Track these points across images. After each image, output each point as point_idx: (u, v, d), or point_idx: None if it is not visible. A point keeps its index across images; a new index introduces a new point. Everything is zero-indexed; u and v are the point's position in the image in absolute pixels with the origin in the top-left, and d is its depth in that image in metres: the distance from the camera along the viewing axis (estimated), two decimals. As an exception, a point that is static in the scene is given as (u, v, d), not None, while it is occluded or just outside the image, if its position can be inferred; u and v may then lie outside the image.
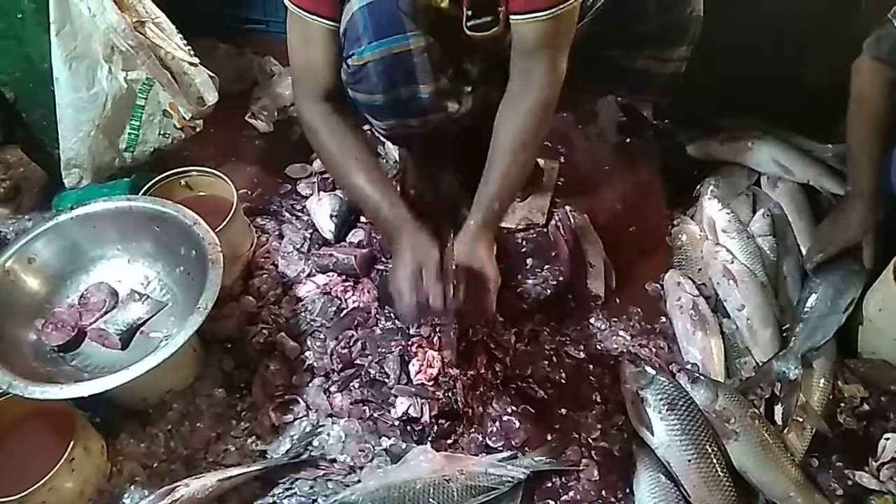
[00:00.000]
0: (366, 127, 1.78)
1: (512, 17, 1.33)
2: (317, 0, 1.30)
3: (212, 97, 1.66)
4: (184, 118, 1.62)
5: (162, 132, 1.65)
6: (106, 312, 1.43)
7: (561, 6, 1.28)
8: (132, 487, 1.34)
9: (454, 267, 1.25)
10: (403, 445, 1.40)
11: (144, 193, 1.57)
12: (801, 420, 1.47)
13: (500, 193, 1.36)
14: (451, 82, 1.44)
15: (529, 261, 1.75)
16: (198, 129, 1.69)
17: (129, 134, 1.64)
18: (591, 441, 1.44)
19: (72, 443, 1.23)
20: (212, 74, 1.66)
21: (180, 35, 1.62)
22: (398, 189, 1.78)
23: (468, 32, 1.36)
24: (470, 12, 1.34)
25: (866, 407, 1.53)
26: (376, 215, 1.36)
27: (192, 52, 1.64)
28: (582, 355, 1.58)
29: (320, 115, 1.39)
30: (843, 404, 1.54)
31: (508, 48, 1.45)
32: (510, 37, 1.42)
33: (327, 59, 1.36)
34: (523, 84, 1.37)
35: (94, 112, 1.57)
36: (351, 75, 1.37)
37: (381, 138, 1.87)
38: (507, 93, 1.40)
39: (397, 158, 1.89)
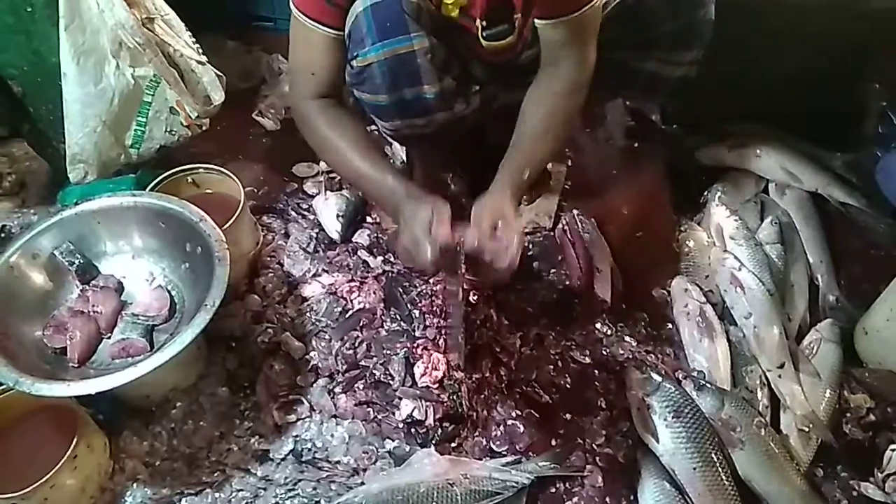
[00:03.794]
0: (372, 127, 1.78)
1: (537, 21, 1.34)
2: (321, 9, 1.31)
3: (218, 97, 1.66)
4: (190, 116, 1.61)
5: (168, 129, 1.65)
6: (115, 315, 1.42)
7: (584, 8, 1.30)
8: (134, 485, 1.33)
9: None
10: (407, 448, 1.39)
11: (151, 190, 1.56)
12: (806, 430, 1.46)
13: (523, 165, 1.37)
14: (457, 82, 1.44)
15: (536, 264, 1.74)
16: (204, 128, 1.68)
17: (136, 130, 1.63)
18: (595, 447, 1.43)
19: (75, 440, 1.22)
20: (219, 73, 1.66)
21: (189, 32, 1.62)
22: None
23: (484, 43, 1.37)
24: (484, 23, 1.35)
25: (872, 417, 1.53)
26: (380, 189, 1.36)
27: (200, 51, 1.63)
28: (587, 360, 1.57)
29: (317, 108, 1.40)
30: (849, 414, 1.54)
31: (519, 54, 1.45)
32: (521, 42, 1.42)
33: (328, 64, 1.38)
34: (553, 71, 1.40)
35: (101, 107, 1.56)
36: (355, 76, 1.37)
37: (388, 139, 1.87)
38: (537, 79, 1.43)
39: (404, 159, 1.89)
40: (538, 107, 1.41)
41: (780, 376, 1.54)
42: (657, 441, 1.40)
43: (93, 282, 1.44)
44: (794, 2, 1.75)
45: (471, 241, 1.25)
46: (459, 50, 1.42)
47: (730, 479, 1.36)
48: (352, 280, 1.62)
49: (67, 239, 1.43)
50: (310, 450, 1.39)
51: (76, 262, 1.43)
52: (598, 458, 1.41)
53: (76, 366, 1.34)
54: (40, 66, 1.56)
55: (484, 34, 1.36)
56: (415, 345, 1.46)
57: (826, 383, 1.54)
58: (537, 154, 1.41)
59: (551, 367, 1.55)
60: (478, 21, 1.35)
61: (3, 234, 1.67)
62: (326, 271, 1.66)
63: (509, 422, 1.44)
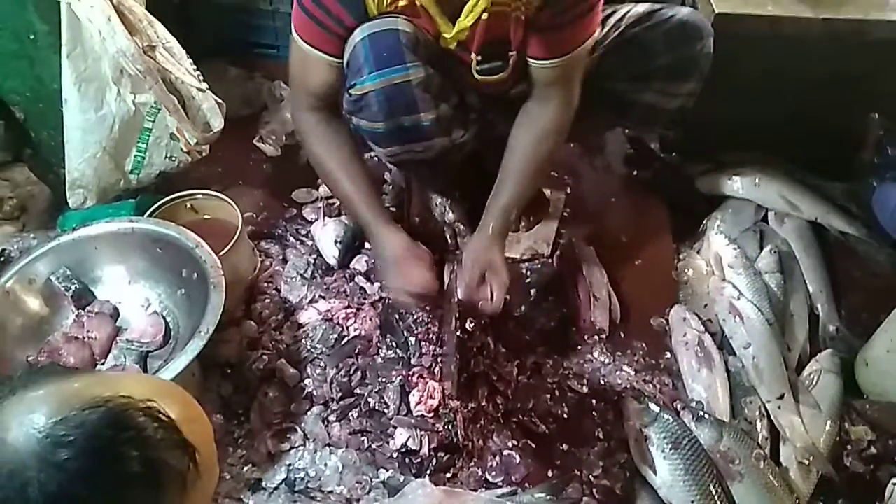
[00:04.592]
0: (370, 154, 1.79)
1: (529, 61, 1.39)
2: (320, 37, 1.34)
3: (218, 123, 1.66)
4: (189, 143, 1.62)
5: (168, 155, 1.65)
6: (109, 341, 1.41)
7: (578, 51, 1.35)
8: (125, 513, 1.32)
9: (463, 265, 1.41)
10: (401, 478, 1.37)
11: (150, 215, 1.57)
12: (807, 462, 1.44)
13: (511, 205, 1.45)
14: (454, 110, 1.46)
15: (533, 292, 1.73)
16: (204, 154, 1.69)
17: (136, 156, 1.64)
18: (592, 478, 1.41)
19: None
20: (219, 101, 1.67)
21: (190, 60, 1.63)
22: (405, 214, 1.79)
23: (477, 77, 1.38)
24: (479, 57, 1.37)
25: (873, 450, 1.51)
26: (356, 214, 1.49)
27: (200, 78, 1.64)
28: (585, 390, 1.55)
29: (313, 122, 1.46)
30: (849, 447, 1.51)
31: (513, 88, 1.47)
32: (514, 77, 1.44)
33: (325, 84, 1.41)
34: (539, 107, 1.45)
35: (102, 133, 1.57)
36: (353, 104, 1.39)
37: (387, 164, 1.88)
38: (523, 113, 1.47)
39: (403, 186, 1.89)
40: (523, 146, 1.46)
41: (779, 407, 1.52)
42: (655, 473, 1.38)
43: (88, 307, 1.44)
44: (793, 33, 1.76)
45: (461, 292, 1.38)
46: (455, 80, 1.44)
47: (728, 513, 1.34)
48: (348, 306, 1.61)
49: (64, 264, 1.44)
50: (303, 479, 1.38)
51: (72, 287, 1.43)
52: (594, 490, 1.39)
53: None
54: (42, 93, 1.58)
55: (477, 68, 1.38)
56: (410, 373, 1.44)
57: (826, 415, 1.52)
58: (522, 193, 1.47)
59: (548, 396, 1.53)
60: (472, 55, 1.37)
61: (2, 259, 1.67)
62: (323, 297, 1.66)
63: (505, 452, 1.43)
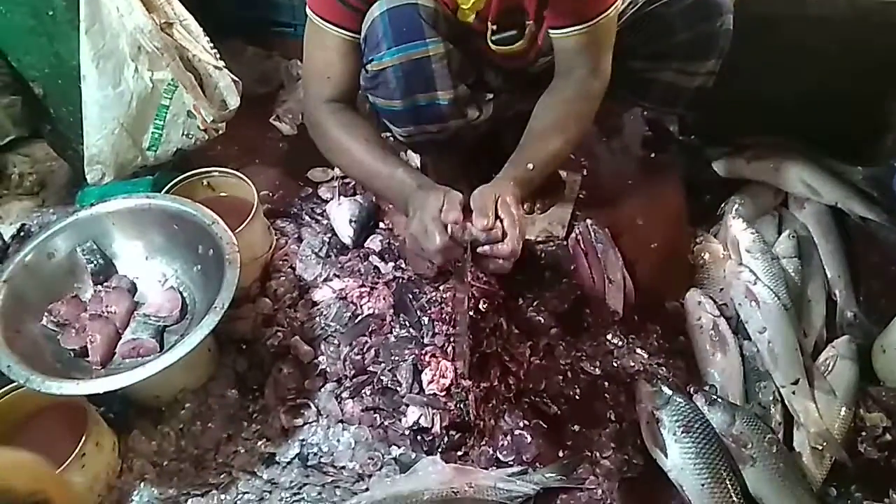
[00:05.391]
0: (386, 134, 1.79)
1: (551, 31, 1.35)
2: (337, 11, 1.32)
3: (234, 101, 1.67)
4: (206, 120, 1.62)
5: (185, 133, 1.66)
6: (128, 315, 1.43)
7: (599, 18, 1.32)
8: (141, 485, 1.34)
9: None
10: (413, 455, 1.38)
11: (167, 192, 1.58)
12: (820, 448, 1.43)
13: (529, 159, 1.36)
14: (472, 89, 1.44)
15: (548, 273, 1.73)
16: (220, 132, 1.70)
17: (153, 133, 1.65)
18: (603, 460, 1.41)
19: (83, 438, 1.23)
20: (235, 79, 1.67)
21: (207, 38, 1.63)
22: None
23: (493, 46, 1.37)
24: (495, 26, 1.35)
25: (888, 437, 1.49)
26: (391, 183, 1.34)
27: (217, 56, 1.64)
28: (597, 372, 1.55)
29: (329, 110, 1.40)
30: (864, 433, 1.50)
31: (532, 61, 1.45)
32: (534, 50, 1.42)
33: (343, 68, 1.38)
34: (566, 78, 1.42)
35: (120, 110, 1.59)
36: (370, 80, 1.38)
37: (403, 145, 1.88)
38: (550, 86, 1.44)
39: (418, 167, 1.89)
40: (548, 109, 1.43)
41: (794, 393, 1.51)
42: (666, 456, 1.38)
43: (106, 283, 1.45)
44: (816, 13, 1.73)
45: (471, 227, 1.21)
46: (474, 56, 1.43)
47: (739, 497, 1.33)
48: (362, 285, 1.62)
49: (82, 239, 1.45)
50: (316, 454, 1.39)
51: (95, 261, 1.44)
52: (605, 472, 1.39)
53: (99, 367, 1.35)
54: (61, 69, 1.60)
55: (493, 38, 1.37)
56: (423, 352, 1.45)
57: (841, 401, 1.51)
58: (543, 151, 1.38)
59: (560, 377, 1.53)
60: (489, 24, 1.35)
61: (22, 234, 1.70)
62: (338, 276, 1.66)
63: (517, 432, 1.43)
